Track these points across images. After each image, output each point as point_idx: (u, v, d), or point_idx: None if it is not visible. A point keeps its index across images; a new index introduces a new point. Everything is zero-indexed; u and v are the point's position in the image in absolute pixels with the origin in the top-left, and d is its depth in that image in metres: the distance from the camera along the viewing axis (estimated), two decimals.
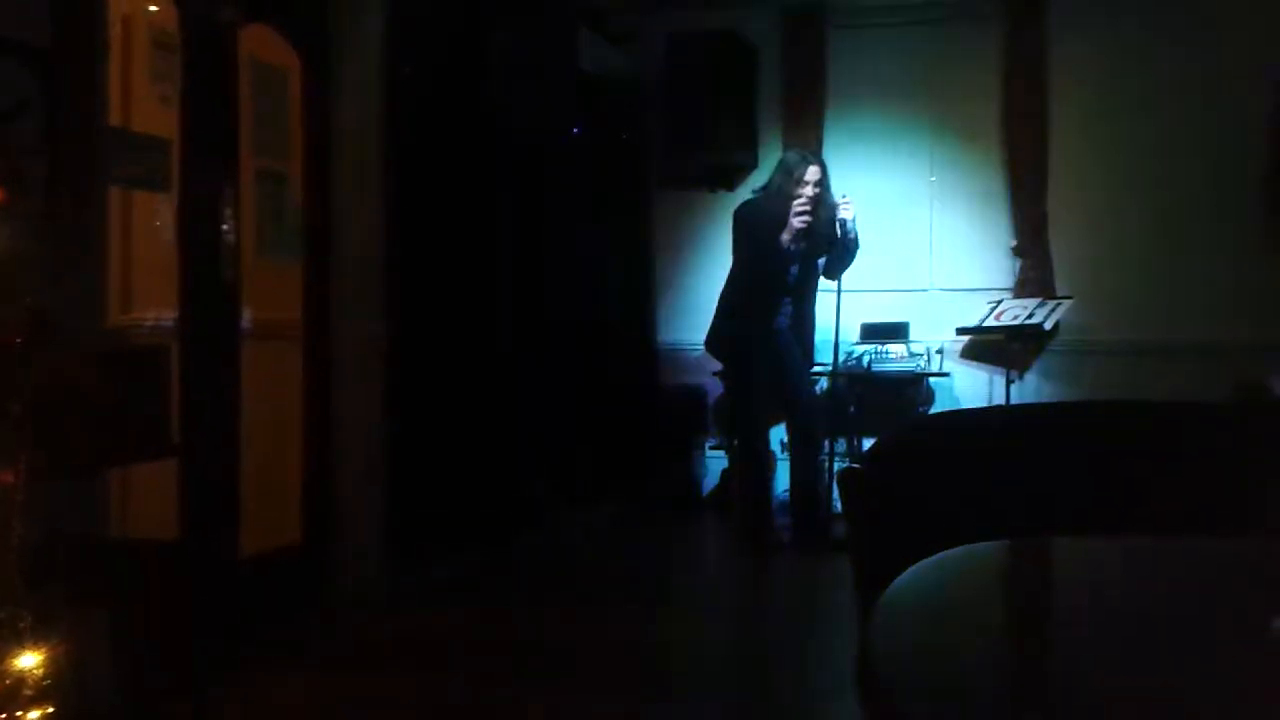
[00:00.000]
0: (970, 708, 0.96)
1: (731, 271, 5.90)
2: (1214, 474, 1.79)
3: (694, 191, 7.07)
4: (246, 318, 4.03)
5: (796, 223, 5.62)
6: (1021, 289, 6.49)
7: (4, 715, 2.23)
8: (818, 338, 5.95)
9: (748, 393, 5.84)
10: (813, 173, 5.65)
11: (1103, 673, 1.03)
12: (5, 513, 2.31)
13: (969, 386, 6.61)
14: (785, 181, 5.67)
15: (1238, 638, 1.16)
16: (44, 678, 2.29)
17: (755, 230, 5.71)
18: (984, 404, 6.44)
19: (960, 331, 6.44)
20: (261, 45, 4.20)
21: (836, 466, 6.00)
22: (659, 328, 7.23)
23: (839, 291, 5.83)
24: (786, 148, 6.57)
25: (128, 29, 3.86)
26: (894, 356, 6.38)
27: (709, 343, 6.01)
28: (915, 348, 6.40)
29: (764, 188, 5.81)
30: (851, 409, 6.40)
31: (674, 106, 6.86)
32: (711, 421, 6.94)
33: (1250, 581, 1.35)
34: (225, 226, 3.87)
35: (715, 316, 5.94)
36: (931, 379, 6.46)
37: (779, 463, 6.56)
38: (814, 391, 6.23)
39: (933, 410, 6.44)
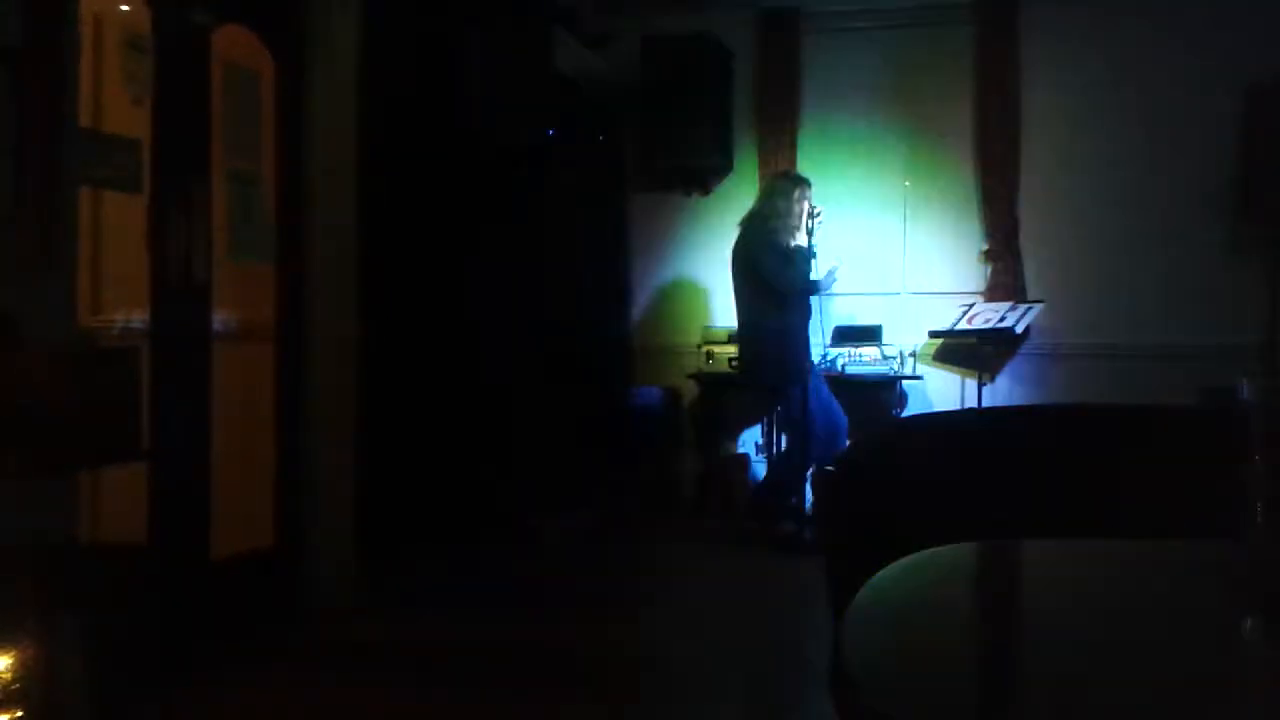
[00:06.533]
0: (944, 709, 0.97)
1: (764, 300, 5.84)
2: (1182, 477, 1.81)
3: (669, 194, 7.08)
4: (217, 319, 4.01)
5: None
6: (993, 293, 6.53)
7: None
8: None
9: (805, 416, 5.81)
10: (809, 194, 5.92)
11: (1075, 675, 1.04)
12: None
13: (941, 389, 6.65)
14: (787, 204, 5.86)
15: (1209, 640, 1.18)
16: (12, 682, 2.27)
17: (787, 253, 5.81)
18: (956, 407, 6.47)
19: (932, 335, 6.49)
20: (234, 46, 4.18)
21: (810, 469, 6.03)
22: (633, 330, 7.23)
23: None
24: (762, 161, 6.68)
25: (99, 29, 3.83)
26: (867, 359, 6.41)
27: (767, 372, 5.95)
28: (888, 351, 6.43)
29: (762, 214, 5.91)
30: None
31: (649, 109, 6.86)
32: (686, 424, 6.94)
33: (1220, 584, 1.36)
34: (196, 228, 3.85)
35: (771, 346, 5.85)
36: (904, 382, 6.49)
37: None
38: None
39: (905, 413, 6.47)
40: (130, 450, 3.06)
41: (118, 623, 2.89)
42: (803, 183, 5.94)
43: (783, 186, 5.97)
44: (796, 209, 5.83)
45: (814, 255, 5.81)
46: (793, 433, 5.87)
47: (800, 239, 5.81)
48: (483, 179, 5.66)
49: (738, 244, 5.96)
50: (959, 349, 6.54)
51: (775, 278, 5.77)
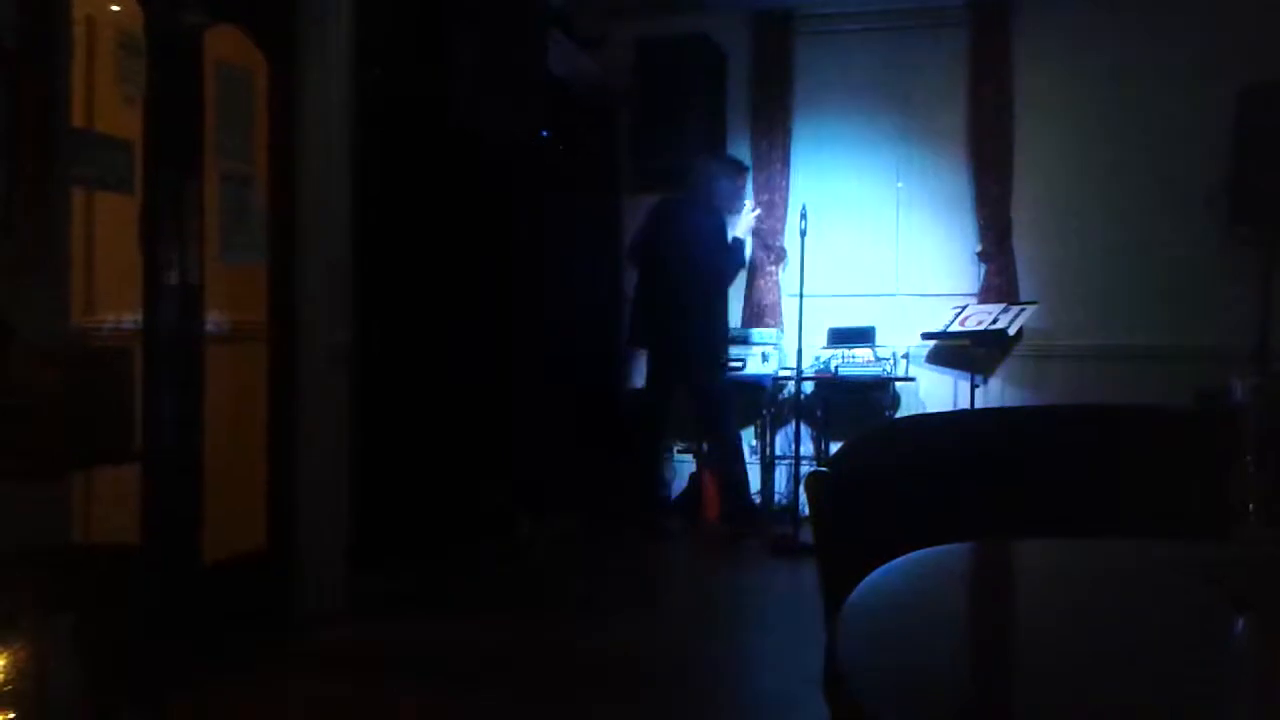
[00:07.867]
0: (936, 709, 0.97)
1: (709, 287, 6.15)
2: (1175, 478, 1.82)
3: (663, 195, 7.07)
4: (210, 320, 4.00)
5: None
6: (986, 294, 6.54)
7: None
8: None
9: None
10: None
11: (1068, 674, 1.05)
12: None
13: (934, 391, 6.66)
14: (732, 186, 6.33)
15: (1200, 639, 1.18)
16: (5, 683, 2.26)
17: (740, 252, 6.42)
18: (949, 408, 6.48)
19: (926, 336, 6.49)
20: (227, 46, 4.17)
21: (803, 470, 6.04)
22: (627, 333, 7.21)
23: (801, 295, 5.88)
24: (756, 163, 6.73)
25: (92, 29, 3.82)
26: (860, 361, 6.41)
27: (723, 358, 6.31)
28: (881, 352, 6.44)
29: (709, 198, 6.23)
30: (818, 413, 6.44)
31: (643, 110, 6.87)
32: (677, 424, 6.92)
33: (1212, 584, 1.37)
34: (188, 228, 3.84)
35: (720, 330, 6.25)
36: (897, 383, 6.50)
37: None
38: None
39: (898, 414, 6.48)
40: (122, 451, 3.04)
41: (109, 625, 2.88)
42: (745, 169, 6.52)
43: (726, 171, 6.33)
44: (743, 195, 6.42)
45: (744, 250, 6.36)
46: (723, 427, 6.27)
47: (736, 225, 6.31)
48: (476, 179, 5.65)
49: (683, 228, 6.15)
50: (952, 350, 6.55)
51: (728, 274, 6.25)
